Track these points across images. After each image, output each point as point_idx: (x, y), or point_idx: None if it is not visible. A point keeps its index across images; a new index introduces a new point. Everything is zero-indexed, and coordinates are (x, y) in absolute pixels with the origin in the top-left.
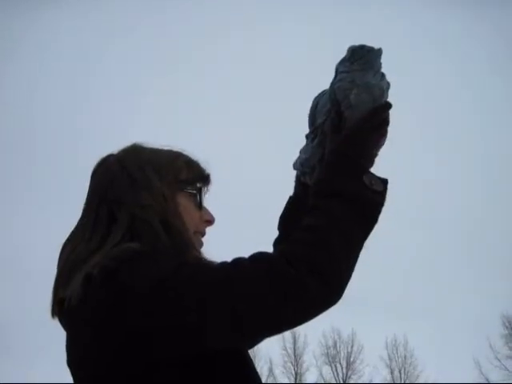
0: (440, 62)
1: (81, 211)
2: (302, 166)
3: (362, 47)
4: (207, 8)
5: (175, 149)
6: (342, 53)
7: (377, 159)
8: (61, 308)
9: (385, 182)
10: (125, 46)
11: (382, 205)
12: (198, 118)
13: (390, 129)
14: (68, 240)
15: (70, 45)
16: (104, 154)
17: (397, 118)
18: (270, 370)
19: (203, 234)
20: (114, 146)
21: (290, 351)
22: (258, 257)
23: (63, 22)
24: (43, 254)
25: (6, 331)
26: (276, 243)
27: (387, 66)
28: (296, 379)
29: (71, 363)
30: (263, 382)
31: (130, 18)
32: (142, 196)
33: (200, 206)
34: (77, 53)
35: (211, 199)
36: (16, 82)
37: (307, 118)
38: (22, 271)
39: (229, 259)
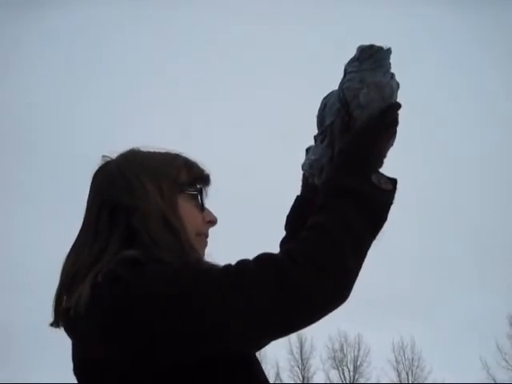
0: (442, 63)
1: (82, 216)
2: (310, 167)
3: (371, 47)
4: (208, 6)
5: (173, 151)
6: (351, 53)
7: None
8: (66, 317)
9: (394, 181)
10: (124, 44)
11: (390, 204)
12: (202, 117)
13: (398, 129)
14: (71, 249)
15: (68, 44)
16: (101, 155)
17: (404, 118)
18: (277, 375)
19: (206, 236)
20: (113, 147)
21: (297, 355)
22: (263, 257)
23: (62, 19)
24: (42, 256)
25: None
26: (282, 243)
27: (395, 65)
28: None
29: (77, 371)
30: None
31: (130, 16)
32: (142, 200)
33: (202, 207)
34: (75, 52)
35: (216, 199)
36: (14, 82)
37: (315, 119)
38: (21, 273)
39: (234, 260)
